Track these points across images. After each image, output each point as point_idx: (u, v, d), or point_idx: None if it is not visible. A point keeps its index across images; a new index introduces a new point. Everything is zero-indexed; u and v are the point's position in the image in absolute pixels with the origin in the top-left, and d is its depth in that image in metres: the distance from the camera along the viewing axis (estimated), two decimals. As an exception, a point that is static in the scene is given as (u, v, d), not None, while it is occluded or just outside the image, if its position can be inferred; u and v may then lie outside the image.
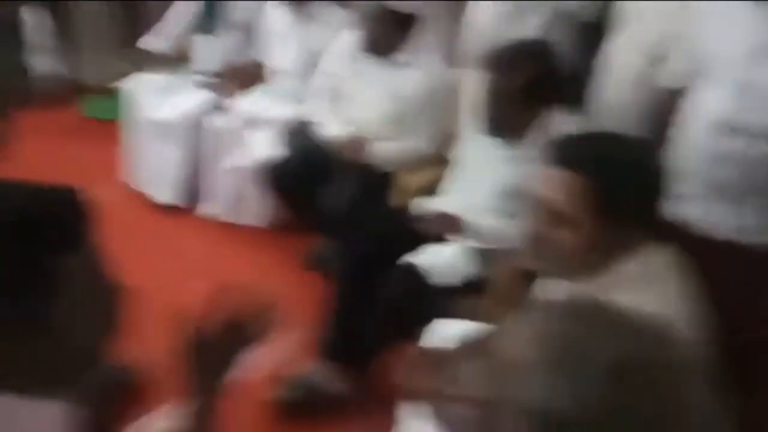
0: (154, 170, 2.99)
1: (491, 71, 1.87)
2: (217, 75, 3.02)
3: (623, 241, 1.19)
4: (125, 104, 3.08)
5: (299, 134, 2.70)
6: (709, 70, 1.75)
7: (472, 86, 2.09)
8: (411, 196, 2.25)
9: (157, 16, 3.25)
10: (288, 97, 2.87)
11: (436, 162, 2.34)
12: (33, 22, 3.74)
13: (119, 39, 3.77)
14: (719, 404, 0.62)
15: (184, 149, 2.94)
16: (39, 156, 3.10)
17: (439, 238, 2.00)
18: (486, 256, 1.99)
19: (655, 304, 1.11)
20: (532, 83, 1.84)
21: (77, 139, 3.44)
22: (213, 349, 0.92)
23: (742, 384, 1.16)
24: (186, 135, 2.93)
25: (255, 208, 2.84)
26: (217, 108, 2.91)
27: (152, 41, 3.18)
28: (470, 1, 2.54)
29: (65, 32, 3.82)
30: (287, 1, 2.85)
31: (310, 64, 2.75)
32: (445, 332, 1.61)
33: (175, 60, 3.21)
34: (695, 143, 1.75)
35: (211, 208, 2.92)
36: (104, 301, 0.78)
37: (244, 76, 3.00)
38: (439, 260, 1.96)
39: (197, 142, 2.93)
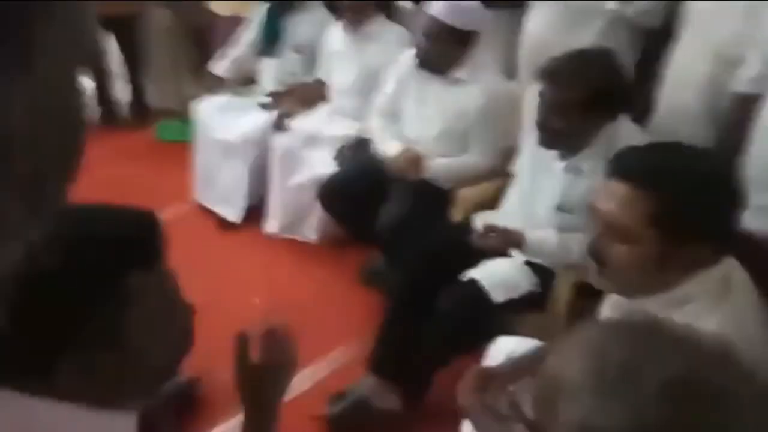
0: (222, 189, 3.09)
1: (552, 83, 1.83)
2: (279, 95, 3.11)
3: (689, 257, 1.14)
4: (195, 126, 3.21)
5: (356, 151, 2.74)
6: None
7: (532, 99, 2.06)
8: (471, 211, 2.23)
9: (225, 41, 3.38)
10: (348, 115, 2.92)
11: (497, 176, 2.32)
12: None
13: (190, 64, 3.93)
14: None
15: (248, 168, 3.02)
16: (116, 178, 3.27)
17: (498, 253, 1.98)
18: (546, 271, 1.95)
19: (719, 324, 1.07)
20: (597, 94, 1.79)
21: (151, 161, 3.60)
22: (262, 372, 0.94)
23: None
24: (250, 154, 3.01)
25: (315, 225, 2.89)
26: (280, 127, 2.98)
27: (220, 65, 3.31)
28: (527, 12, 2.52)
29: (137, 59, 4.02)
30: (346, 21, 2.90)
31: (369, 82, 2.79)
32: (506, 349, 1.59)
33: (242, 83, 3.32)
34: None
35: (275, 225, 2.99)
36: (176, 318, 0.81)
37: (306, 95, 3.07)
38: (499, 276, 1.94)
39: (261, 161, 3.01)
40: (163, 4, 3.88)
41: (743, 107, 1.81)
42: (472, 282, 1.92)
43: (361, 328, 2.33)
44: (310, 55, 3.12)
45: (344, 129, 2.88)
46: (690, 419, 0.53)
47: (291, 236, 2.96)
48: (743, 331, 1.09)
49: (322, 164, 2.78)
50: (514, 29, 2.56)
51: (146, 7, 3.89)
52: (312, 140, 2.90)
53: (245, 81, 3.34)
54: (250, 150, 3.01)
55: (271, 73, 3.23)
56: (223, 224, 3.09)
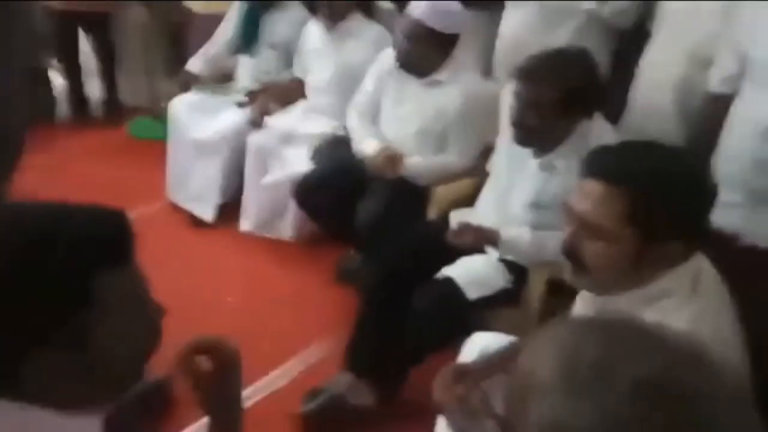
0: (196, 188, 3.06)
1: (528, 81, 1.83)
2: (256, 93, 3.08)
3: (662, 254, 1.15)
4: (169, 124, 3.17)
5: (332, 149, 2.73)
6: (757, 73, 1.69)
7: (508, 98, 2.07)
8: (447, 209, 2.24)
9: (202, 38, 3.34)
10: (324, 113, 2.90)
11: (475, 175, 2.33)
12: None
13: (164, 62, 3.89)
14: (760, 427, 0.59)
15: (224, 166, 3.00)
16: (88, 176, 3.22)
17: (473, 251, 1.99)
18: (520, 268, 1.97)
19: (691, 319, 1.08)
20: (573, 93, 1.80)
21: (124, 159, 3.55)
22: (210, 378, 0.93)
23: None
24: (224, 152, 2.98)
25: (291, 223, 2.88)
26: (256, 125, 2.96)
27: (196, 63, 3.27)
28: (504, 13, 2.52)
29: (111, 56, 3.96)
30: (324, 19, 2.88)
31: (347, 80, 2.78)
32: (481, 344, 1.59)
33: (218, 80, 3.29)
34: (741, 150, 1.70)
35: (250, 223, 2.97)
36: (144, 319, 0.80)
37: (283, 93, 3.05)
38: (473, 273, 1.95)
39: (237, 158, 2.98)
40: (139, 3, 3.83)
41: (716, 106, 1.83)
42: (448, 280, 1.92)
43: (336, 325, 2.32)
44: (285, 53, 3.10)
45: (321, 127, 2.86)
46: (662, 419, 0.53)
47: (266, 234, 2.94)
48: (714, 325, 1.10)
49: (298, 162, 2.76)
50: (493, 30, 2.57)
51: (122, 5, 3.84)
52: (288, 138, 2.88)
53: (221, 79, 3.30)
54: (224, 148, 2.98)
55: (247, 70, 3.20)
56: (197, 223, 3.05)
